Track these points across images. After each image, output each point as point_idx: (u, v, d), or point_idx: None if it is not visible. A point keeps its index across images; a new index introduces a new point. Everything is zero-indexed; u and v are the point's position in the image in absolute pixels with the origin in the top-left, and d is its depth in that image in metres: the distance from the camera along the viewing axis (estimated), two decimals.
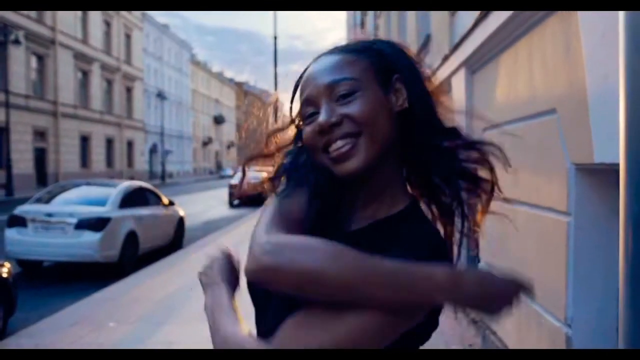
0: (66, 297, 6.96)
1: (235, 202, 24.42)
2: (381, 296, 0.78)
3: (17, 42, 26.75)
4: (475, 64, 4.67)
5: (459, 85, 5.16)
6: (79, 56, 36.95)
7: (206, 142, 73.79)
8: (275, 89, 21.64)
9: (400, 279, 0.78)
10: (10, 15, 28.74)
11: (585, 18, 2.37)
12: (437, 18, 6.60)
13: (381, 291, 0.78)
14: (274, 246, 0.82)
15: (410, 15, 9.23)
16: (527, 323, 3.41)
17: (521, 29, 3.35)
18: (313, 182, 0.97)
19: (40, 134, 32.77)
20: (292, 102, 1.04)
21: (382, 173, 0.95)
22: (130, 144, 46.16)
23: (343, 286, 0.78)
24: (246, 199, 24.33)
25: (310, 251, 0.80)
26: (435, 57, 6.66)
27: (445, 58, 5.60)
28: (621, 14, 1.47)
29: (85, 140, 38.22)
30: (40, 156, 32.87)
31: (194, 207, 20.52)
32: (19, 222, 8.38)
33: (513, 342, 3.73)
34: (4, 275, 5.57)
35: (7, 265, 5.74)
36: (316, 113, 0.92)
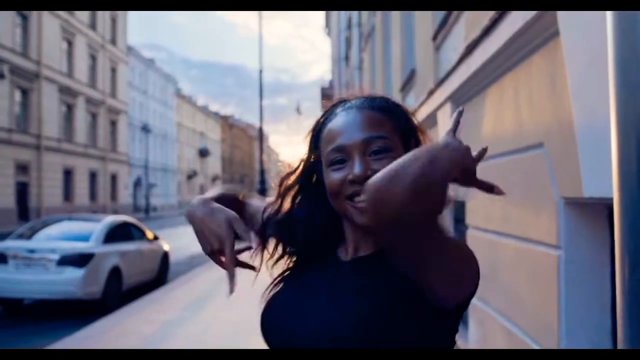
0: (48, 336, 6.79)
1: None
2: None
3: (1, 76, 26.73)
4: (460, 99, 4.72)
5: (444, 119, 5.21)
6: (64, 90, 36.91)
7: (191, 175, 73.56)
8: (261, 122, 21.50)
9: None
10: None
11: (569, 50, 2.41)
12: (422, 53, 6.70)
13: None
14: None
15: (395, 49, 9.37)
16: None
17: (507, 64, 3.39)
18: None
19: (22, 168, 32.46)
20: (311, 142, 1.09)
21: None
22: (114, 178, 45.85)
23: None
24: None
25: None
26: (420, 90, 6.74)
27: (431, 92, 5.66)
28: (610, 40, 1.48)
29: (68, 174, 37.91)
30: (22, 190, 32.49)
31: (179, 241, 20.27)
32: None
33: None
34: None
35: None
36: (344, 161, 0.98)
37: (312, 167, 1.07)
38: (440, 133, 5.47)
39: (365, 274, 0.99)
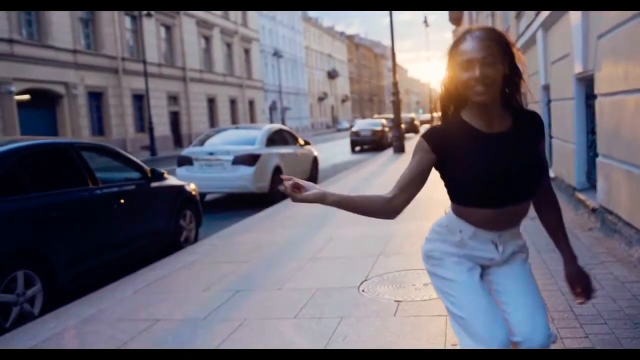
0: (231, 220, 8.25)
1: (357, 148, 25.67)
2: None
3: (149, 14, 29.23)
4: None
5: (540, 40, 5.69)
6: (201, 23, 39.35)
7: (322, 98, 75.48)
8: (392, 39, 21.46)
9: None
10: None
11: None
12: None
13: None
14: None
15: None
16: (636, 191, 4.08)
17: None
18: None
19: (173, 99, 35.68)
20: (449, 58, 1.87)
21: (497, 101, 1.84)
22: (251, 103, 48.65)
23: None
24: (366, 146, 25.60)
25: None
26: (528, 18, 7.13)
27: (531, 21, 6.13)
28: None
29: (211, 102, 40.97)
30: (174, 119, 35.87)
31: (322, 154, 21.74)
32: (186, 161, 9.95)
33: (626, 212, 4.39)
34: (193, 192, 6.96)
35: (193, 185, 7.13)
36: (471, 68, 1.76)
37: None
38: (538, 50, 5.99)
39: (519, 138, 1.85)
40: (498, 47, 1.77)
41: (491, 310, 1.82)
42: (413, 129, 38.63)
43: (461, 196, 1.86)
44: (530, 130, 1.87)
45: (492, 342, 1.77)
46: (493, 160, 1.78)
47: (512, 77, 1.83)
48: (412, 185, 1.84)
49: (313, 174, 12.48)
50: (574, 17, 5.82)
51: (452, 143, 1.82)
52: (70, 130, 25.58)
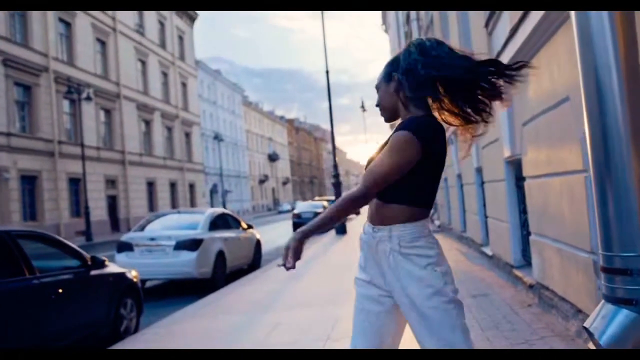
0: (173, 306, 8.07)
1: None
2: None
3: (88, 98, 29.15)
4: None
5: None
6: (142, 107, 39.46)
7: (262, 180, 75.91)
8: (331, 123, 22.15)
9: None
10: (81, 75, 31.38)
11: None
12: (477, 38, 7.61)
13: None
14: None
15: (453, 39, 10.25)
16: (567, 267, 4.31)
17: (541, 40, 4.33)
18: None
19: (111, 182, 35.05)
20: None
21: (396, 115, 2.16)
22: (192, 186, 48.30)
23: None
24: None
25: None
26: None
27: None
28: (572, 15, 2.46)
29: (151, 186, 40.43)
30: (112, 203, 35.09)
31: (265, 236, 21.60)
32: (126, 247, 9.72)
33: (560, 288, 4.61)
34: (135, 279, 6.79)
35: (135, 272, 6.97)
36: None
37: None
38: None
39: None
40: (383, 72, 2.13)
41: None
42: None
43: None
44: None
45: None
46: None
47: (400, 88, 2.09)
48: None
49: (256, 258, 12.41)
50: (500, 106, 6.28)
51: None
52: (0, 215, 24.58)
